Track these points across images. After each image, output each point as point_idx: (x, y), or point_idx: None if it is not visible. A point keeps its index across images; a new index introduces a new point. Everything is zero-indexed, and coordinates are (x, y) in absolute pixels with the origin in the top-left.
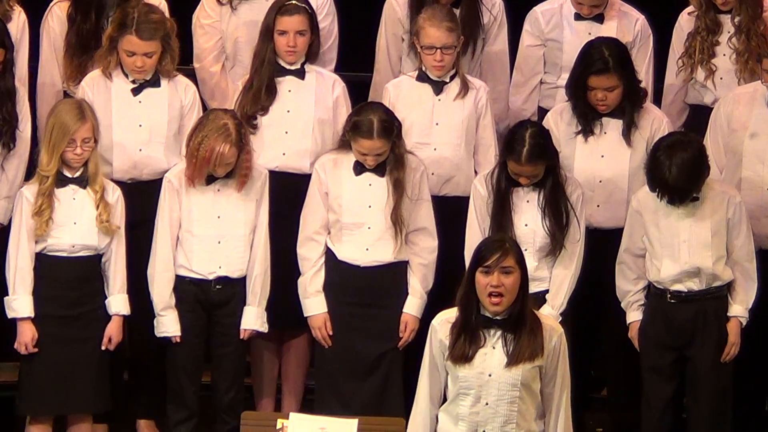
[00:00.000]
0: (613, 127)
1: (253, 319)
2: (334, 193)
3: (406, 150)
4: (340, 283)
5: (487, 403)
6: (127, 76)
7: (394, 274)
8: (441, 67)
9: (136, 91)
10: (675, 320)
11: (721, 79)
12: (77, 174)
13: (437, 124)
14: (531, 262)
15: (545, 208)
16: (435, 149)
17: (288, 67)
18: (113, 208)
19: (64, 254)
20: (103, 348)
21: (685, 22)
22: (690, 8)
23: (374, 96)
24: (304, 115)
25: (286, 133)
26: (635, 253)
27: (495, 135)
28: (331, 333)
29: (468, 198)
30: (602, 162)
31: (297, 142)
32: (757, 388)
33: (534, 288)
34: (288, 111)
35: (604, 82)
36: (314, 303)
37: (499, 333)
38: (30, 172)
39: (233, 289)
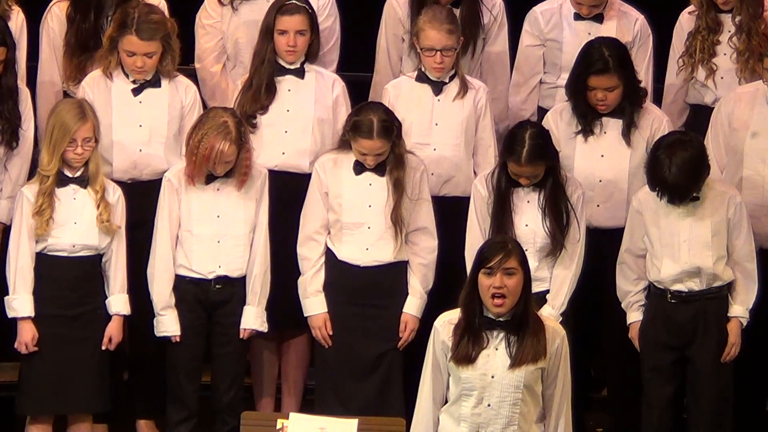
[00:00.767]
0: (613, 126)
1: (253, 318)
2: (334, 193)
3: (407, 150)
4: (340, 283)
5: (489, 405)
6: (127, 76)
7: (394, 274)
8: (441, 68)
9: (136, 91)
10: (675, 320)
11: (721, 78)
12: (78, 174)
13: (437, 124)
14: (531, 263)
15: (545, 209)
16: (434, 149)
17: (288, 66)
18: (114, 207)
19: (65, 254)
20: (103, 348)
21: (685, 22)
22: (690, 7)
23: (374, 96)
24: (304, 115)
25: (286, 132)
26: (636, 253)
27: (494, 135)
28: (331, 333)
29: (468, 198)
30: (602, 162)
31: (296, 142)
32: (757, 388)
33: (534, 288)
34: (288, 110)
35: (604, 82)
36: (314, 303)
37: (502, 334)
38: (31, 172)
39: (233, 289)
